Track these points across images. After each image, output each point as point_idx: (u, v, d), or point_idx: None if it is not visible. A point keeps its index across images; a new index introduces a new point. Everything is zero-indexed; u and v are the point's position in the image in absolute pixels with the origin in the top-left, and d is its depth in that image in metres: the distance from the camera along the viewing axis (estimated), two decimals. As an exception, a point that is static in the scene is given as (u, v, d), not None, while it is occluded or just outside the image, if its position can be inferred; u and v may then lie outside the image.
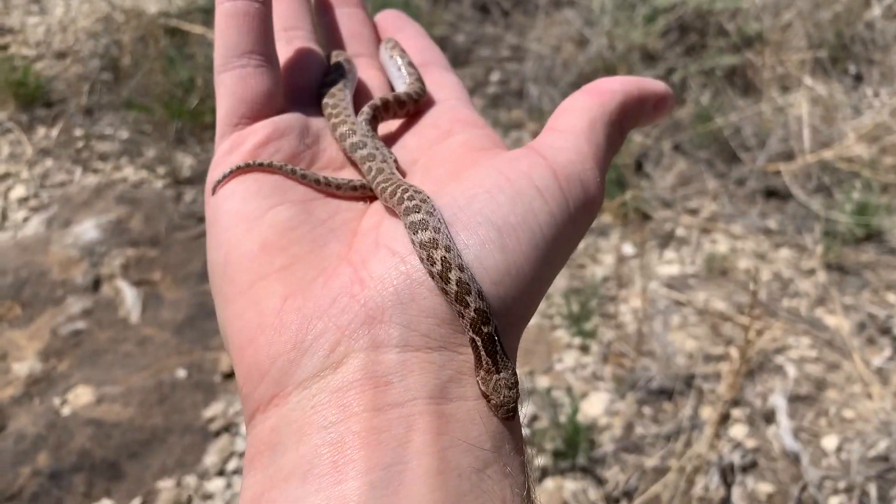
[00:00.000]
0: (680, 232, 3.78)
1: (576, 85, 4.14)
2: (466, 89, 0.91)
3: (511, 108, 4.38)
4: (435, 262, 0.60)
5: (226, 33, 0.78)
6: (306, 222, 0.70)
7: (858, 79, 4.47)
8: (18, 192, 3.70)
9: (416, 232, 0.62)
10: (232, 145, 0.75)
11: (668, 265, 3.59)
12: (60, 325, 3.11)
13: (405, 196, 0.66)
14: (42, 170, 3.83)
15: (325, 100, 0.83)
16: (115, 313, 3.18)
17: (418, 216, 0.63)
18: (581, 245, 3.67)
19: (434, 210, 0.64)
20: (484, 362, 0.60)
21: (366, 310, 0.60)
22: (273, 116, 0.78)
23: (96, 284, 3.26)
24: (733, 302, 3.39)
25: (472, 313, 0.60)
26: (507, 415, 0.59)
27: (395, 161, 0.78)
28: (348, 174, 0.79)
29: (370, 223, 0.71)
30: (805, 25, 4.55)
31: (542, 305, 3.36)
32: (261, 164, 0.73)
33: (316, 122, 0.82)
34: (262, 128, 0.76)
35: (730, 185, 4.01)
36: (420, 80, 0.87)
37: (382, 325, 0.59)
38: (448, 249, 0.61)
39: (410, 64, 0.89)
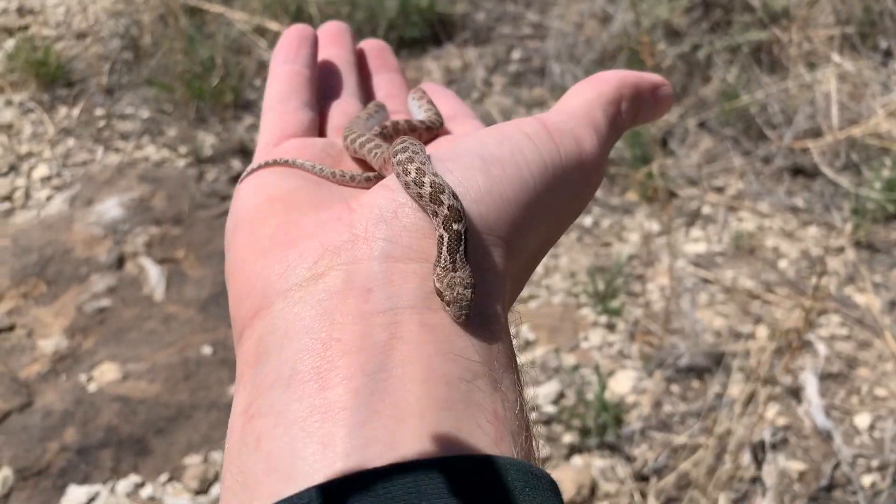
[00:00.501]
0: (706, 210, 3.73)
1: (598, 62, 4.09)
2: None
3: (533, 85, 4.33)
4: (409, 173, 0.62)
5: (274, 85, 0.87)
6: (314, 185, 0.73)
7: (888, 55, 4.39)
8: (41, 171, 3.69)
9: (396, 155, 0.65)
10: (263, 156, 0.80)
11: (695, 243, 3.55)
12: (85, 303, 3.11)
13: (398, 146, 0.67)
14: (64, 149, 3.82)
15: (346, 126, 0.86)
16: (140, 291, 3.17)
17: (406, 154, 0.65)
18: (606, 223, 3.63)
19: (422, 150, 0.66)
20: (442, 259, 0.59)
21: (350, 229, 0.60)
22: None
23: (120, 262, 3.26)
24: (761, 280, 3.35)
25: (446, 210, 0.60)
26: (460, 313, 0.57)
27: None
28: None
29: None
30: (832, 1, 4.47)
31: (566, 283, 3.33)
32: (285, 161, 0.76)
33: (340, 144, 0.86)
34: (292, 145, 0.80)
35: (756, 162, 3.95)
36: (437, 113, 0.89)
37: (366, 242, 0.60)
38: (423, 163, 0.63)
39: (431, 102, 0.91)
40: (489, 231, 0.62)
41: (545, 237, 0.69)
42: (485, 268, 0.61)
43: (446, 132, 0.89)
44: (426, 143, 0.86)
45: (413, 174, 0.62)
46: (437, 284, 0.58)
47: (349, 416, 0.50)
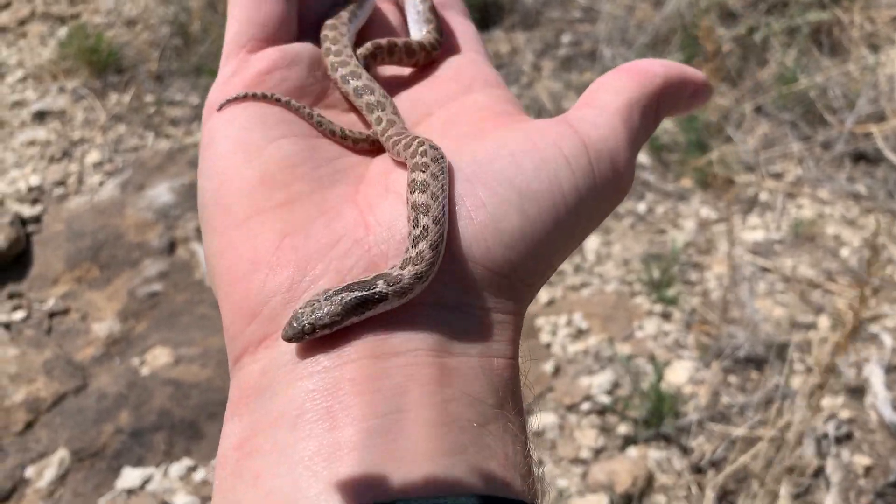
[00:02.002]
0: (764, 196, 3.62)
1: (651, 46, 3.99)
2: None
3: (583, 70, 4.25)
4: (417, 226, 0.57)
5: None
6: (311, 159, 0.65)
7: (955, 36, 4.22)
8: (93, 156, 3.73)
9: (413, 192, 0.58)
10: (237, 68, 0.70)
11: (753, 231, 3.45)
12: (137, 287, 3.13)
13: (419, 150, 0.62)
14: (115, 135, 3.85)
15: (325, 31, 0.75)
16: (191, 276, 3.18)
17: (421, 176, 0.59)
18: (660, 210, 3.55)
19: (441, 173, 0.60)
20: (334, 290, 0.56)
21: (369, 256, 0.57)
22: (284, 44, 0.72)
23: (171, 247, 3.27)
24: (822, 269, 3.24)
25: (399, 272, 0.56)
26: (287, 330, 0.55)
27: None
28: (355, 117, 0.75)
29: (379, 169, 0.67)
30: (896, -19, 4.31)
31: (620, 271, 3.26)
32: (278, 100, 0.68)
33: None
34: (270, 54, 0.71)
35: (815, 148, 3.82)
36: (439, 30, 0.79)
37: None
38: (438, 222, 0.57)
39: (432, 9, 0.80)
40: (514, 276, 0.59)
41: (567, 254, 0.65)
42: (505, 312, 0.59)
43: (449, 50, 0.80)
44: (424, 66, 0.79)
45: (417, 231, 0.57)
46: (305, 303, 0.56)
47: (358, 457, 0.48)
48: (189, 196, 3.46)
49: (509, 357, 0.57)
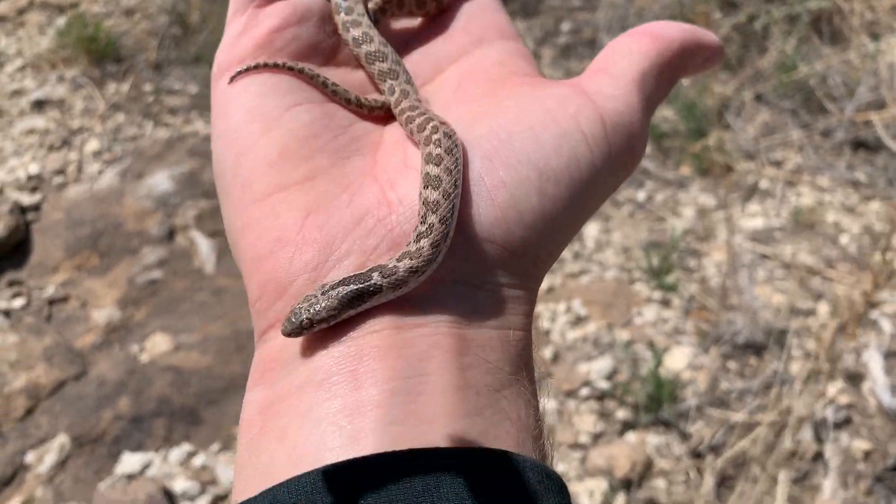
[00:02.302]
0: (763, 184, 3.62)
1: (651, 34, 3.98)
2: None
3: (583, 58, 4.24)
4: (424, 223, 0.57)
5: None
6: (328, 129, 0.64)
7: (956, 24, 4.21)
8: (92, 145, 3.72)
9: (427, 186, 0.58)
10: (245, 26, 0.67)
11: (752, 218, 3.45)
12: (137, 275, 3.13)
13: (433, 137, 0.61)
14: (114, 124, 3.85)
15: None
16: (190, 263, 3.19)
17: (435, 171, 0.58)
18: (659, 197, 3.55)
19: (455, 167, 0.59)
20: (330, 283, 0.57)
21: (392, 236, 0.58)
22: None
23: (171, 235, 3.27)
24: (822, 255, 3.24)
25: (396, 264, 0.57)
26: (285, 325, 0.56)
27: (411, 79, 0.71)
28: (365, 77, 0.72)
29: (394, 136, 0.67)
30: (896, -31, 4.30)
31: (619, 258, 3.26)
32: (291, 69, 0.66)
33: None
34: (281, 9, 0.68)
35: (815, 136, 3.82)
36: None
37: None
38: (444, 221, 0.57)
39: None
40: (535, 257, 0.60)
41: (579, 228, 0.65)
42: (521, 288, 0.59)
43: None
44: (435, 16, 0.76)
45: (422, 228, 0.57)
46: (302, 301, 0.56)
47: (381, 414, 0.50)
48: (188, 184, 3.45)
49: (524, 329, 0.59)
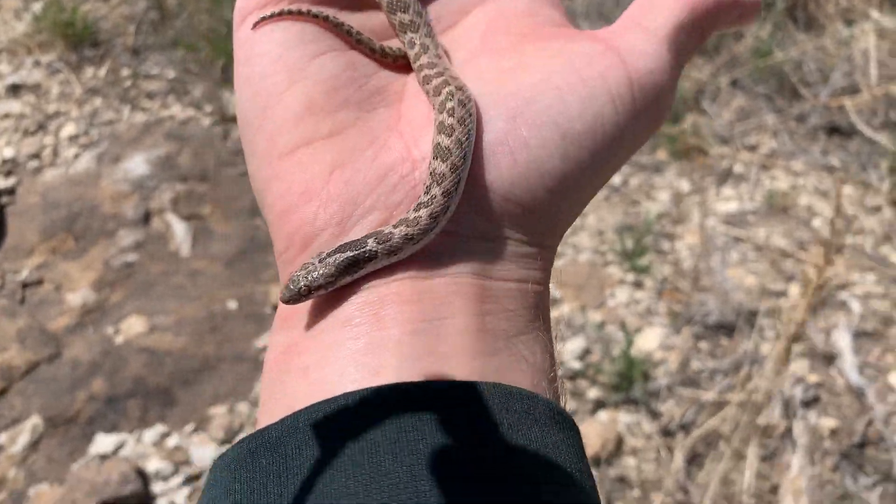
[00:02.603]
0: (738, 168, 3.65)
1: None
2: None
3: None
4: (427, 193, 0.58)
5: None
6: (352, 79, 0.64)
7: (929, 10, 4.25)
8: (69, 129, 3.71)
9: (436, 157, 0.59)
10: None
11: (726, 202, 3.48)
12: (113, 258, 3.13)
13: (447, 105, 0.60)
14: (91, 108, 3.83)
15: None
16: (166, 246, 3.18)
17: (446, 142, 0.59)
18: (635, 182, 3.57)
19: (467, 137, 0.59)
20: (327, 251, 0.58)
21: (415, 193, 0.59)
22: None
23: (147, 218, 3.27)
24: (794, 238, 3.28)
25: (391, 230, 0.57)
26: (284, 292, 0.58)
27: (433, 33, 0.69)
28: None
29: (416, 88, 0.67)
30: (872, -44, 4.33)
31: (593, 242, 3.28)
32: (315, 16, 0.65)
33: None
34: None
35: (790, 121, 3.85)
36: None
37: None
38: (447, 195, 0.58)
39: None
40: (556, 219, 0.60)
41: (600, 187, 0.65)
42: (541, 245, 0.61)
43: None
44: None
45: (425, 198, 0.58)
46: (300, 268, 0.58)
47: (402, 351, 0.52)
48: (165, 168, 3.45)
49: (542, 284, 0.60)
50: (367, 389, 0.50)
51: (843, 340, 2.80)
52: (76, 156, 3.58)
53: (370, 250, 0.56)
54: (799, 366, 2.78)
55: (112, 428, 2.62)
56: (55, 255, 3.15)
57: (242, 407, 2.69)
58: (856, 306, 2.94)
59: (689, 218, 3.37)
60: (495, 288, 0.57)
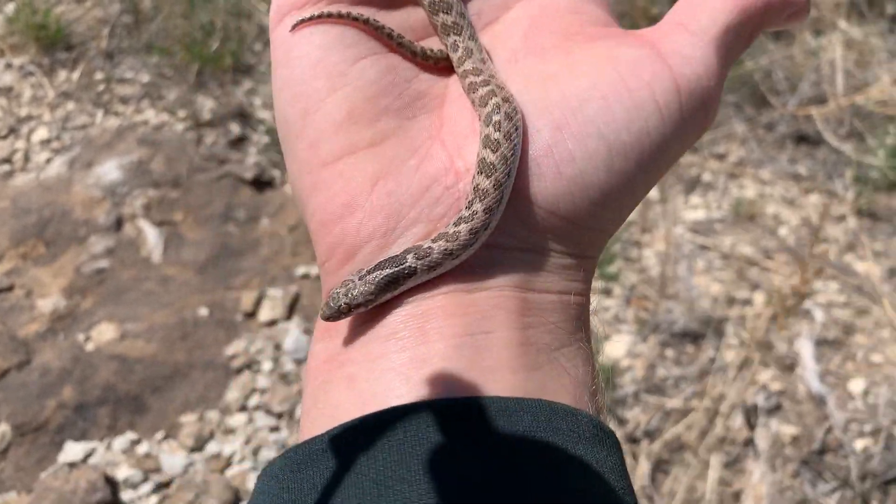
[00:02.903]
0: (706, 177, 3.70)
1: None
2: None
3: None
4: (469, 208, 0.57)
5: None
6: (393, 84, 0.63)
7: (895, 21, 4.33)
8: (41, 134, 3.70)
9: (480, 172, 0.58)
10: None
11: (694, 210, 3.53)
12: (84, 264, 3.12)
13: (493, 119, 0.59)
14: (63, 112, 3.82)
15: None
16: (138, 253, 3.19)
17: (491, 157, 0.58)
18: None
19: (512, 153, 0.58)
20: (367, 268, 0.59)
21: (459, 204, 0.59)
22: None
23: (118, 224, 3.27)
24: (760, 247, 3.33)
25: (432, 245, 0.58)
26: (324, 309, 0.60)
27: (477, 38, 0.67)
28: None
29: (458, 90, 0.65)
30: (841, -33, 4.40)
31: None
32: (356, 19, 0.63)
33: None
34: None
35: (759, 129, 3.91)
36: None
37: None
38: (488, 211, 0.57)
39: None
40: (601, 231, 0.61)
41: (643, 196, 0.64)
42: (583, 256, 0.61)
43: None
44: None
45: (465, 213, 0.58)
46: (340, 286, 0.58)
47: (445, 365, 0.53)
48: (138, 173, 3.45)
49: (583, 295, 0.61)
50: (414, 404, 0.51)
51: (805, 349, 2.86)
52: (48, 160, 3.57)
53: (410, 266, 0.56)
54: (762, 374, 2.83)
55: (82, 436, 2.63)
56: (26, 261, 3.14)
57: (212, 414, 2.70)
58: (819, 315, 3.00)
59: (658, 226, 3.42)
60: (537, 300, 0.58)
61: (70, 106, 3.86)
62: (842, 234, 3.42)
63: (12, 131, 3.70)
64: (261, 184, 3.48)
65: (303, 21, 0.62)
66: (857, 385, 2.78)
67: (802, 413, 2.73)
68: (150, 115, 3.81)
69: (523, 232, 0.58)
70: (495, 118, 0.59)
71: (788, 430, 2.67)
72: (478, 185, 0.57)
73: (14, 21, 4.15)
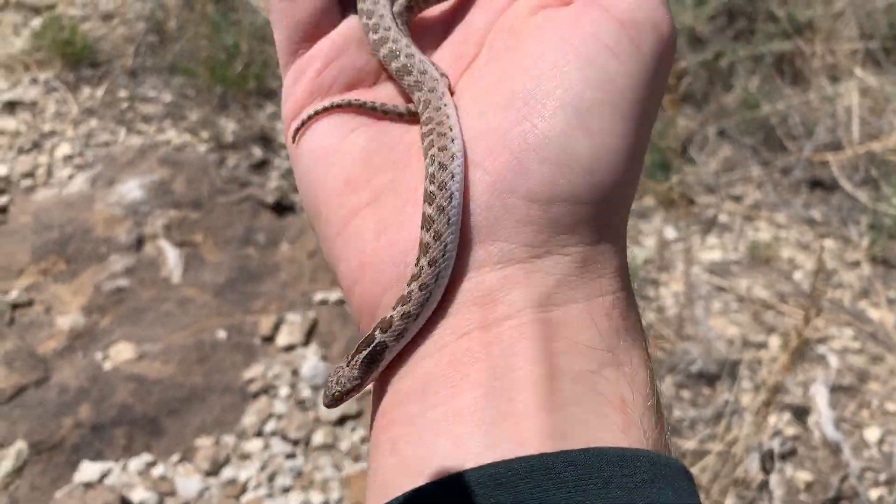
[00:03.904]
0: (723, 218, 3.73)
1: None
2: None
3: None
4: (417, 264, 0.59)
5: None
6: (384, 144, 0.67)
7: (911, 71, 4.38)
8: (64, 149, 3.72)
9: (422, 226, 0.60)
10: (295, 75, 0.70)
11: (711, 251, 3.56)
12: (103, 282, 3.13)
13: (428, 171, 0.61)
14: (87, 129, 3.85)
15: (359, 3, 0.72)
16: (157, 273, 3.20)
17: (428, 210, 0.60)
18: (622, 226, 3.64)
19: (449, 202, 0.59)
20: (349, 355, 0.63)
21: (462, 234, 0.60)
22: (332, 29, 0.70)
23: (139, 243, 3.28)
24: (776, 290, 3.35)
25: (391, 314, 0.60)
26: (324, 397, 0.65)
27: (447, 80, 0.68)
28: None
29: None
30: (857, 14, 4.47)
31: (581, 285, 3.33)
32: (339, 106, 0.69)
33: None
34: (321, 49, 0.70)
35: (775, 173, 3.95)
36: None
37: (482, 246, 0.58)
38: (433, 263, 0.58)
39: None
40: (607, 198, 0.58)
41: (643, 150, 0.61)
42: (603, 241, 0.59)
43: None
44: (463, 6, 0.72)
45: (414, 268, 0.59)
46: (333, 375, 0.63)
47: (479, 418, 0.53)
48: (159, 193, 3.47)
49: (618, 290, 0.58)
50: (451, 477, 0.50)
51: (820, 395, 2.87)
52: (70, 177, 3.59)
53: (379, 343, 0.59)
54: (777, 418, 2.84)
55: (98, 456, 2.62)
56: (46, 277, 3.15)
57: (229, 439, 2.70)
58: (833, 361, 3.02)
59: (674, 265, 3.44)
60: (562, 319, 0.56)
61: (93, 123, 3.89)
62: (856, 279, 3.44)
63: (36, 146, 3.73)
64: (282, 208, 3.50)
65: (298, 129, 0.69)
66: (872, 433, 2.79)
67: (817, 459, 2.73)
68: (173, 135, 3.84)
69: (530, 235, 0.57)
70: (430, 170, 0.61)
71: (803, 476, 2.68)
72: (420, 239, 0.59)
73: (40, 36, 4.20)
